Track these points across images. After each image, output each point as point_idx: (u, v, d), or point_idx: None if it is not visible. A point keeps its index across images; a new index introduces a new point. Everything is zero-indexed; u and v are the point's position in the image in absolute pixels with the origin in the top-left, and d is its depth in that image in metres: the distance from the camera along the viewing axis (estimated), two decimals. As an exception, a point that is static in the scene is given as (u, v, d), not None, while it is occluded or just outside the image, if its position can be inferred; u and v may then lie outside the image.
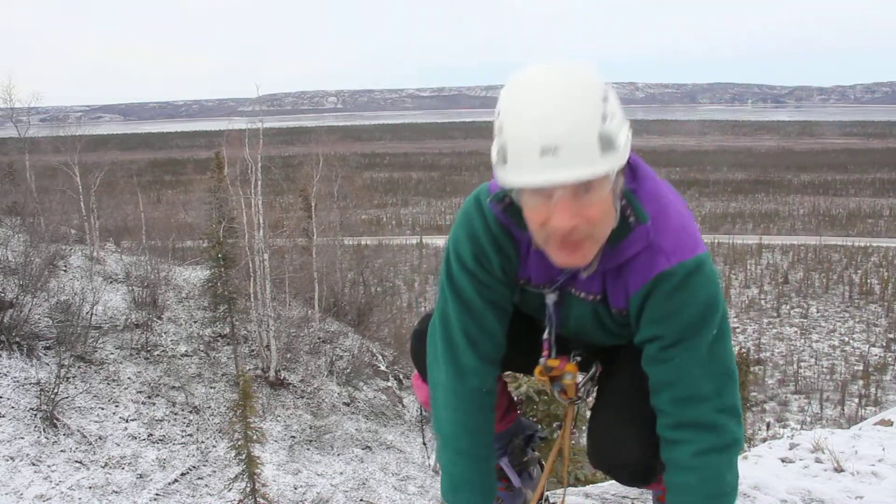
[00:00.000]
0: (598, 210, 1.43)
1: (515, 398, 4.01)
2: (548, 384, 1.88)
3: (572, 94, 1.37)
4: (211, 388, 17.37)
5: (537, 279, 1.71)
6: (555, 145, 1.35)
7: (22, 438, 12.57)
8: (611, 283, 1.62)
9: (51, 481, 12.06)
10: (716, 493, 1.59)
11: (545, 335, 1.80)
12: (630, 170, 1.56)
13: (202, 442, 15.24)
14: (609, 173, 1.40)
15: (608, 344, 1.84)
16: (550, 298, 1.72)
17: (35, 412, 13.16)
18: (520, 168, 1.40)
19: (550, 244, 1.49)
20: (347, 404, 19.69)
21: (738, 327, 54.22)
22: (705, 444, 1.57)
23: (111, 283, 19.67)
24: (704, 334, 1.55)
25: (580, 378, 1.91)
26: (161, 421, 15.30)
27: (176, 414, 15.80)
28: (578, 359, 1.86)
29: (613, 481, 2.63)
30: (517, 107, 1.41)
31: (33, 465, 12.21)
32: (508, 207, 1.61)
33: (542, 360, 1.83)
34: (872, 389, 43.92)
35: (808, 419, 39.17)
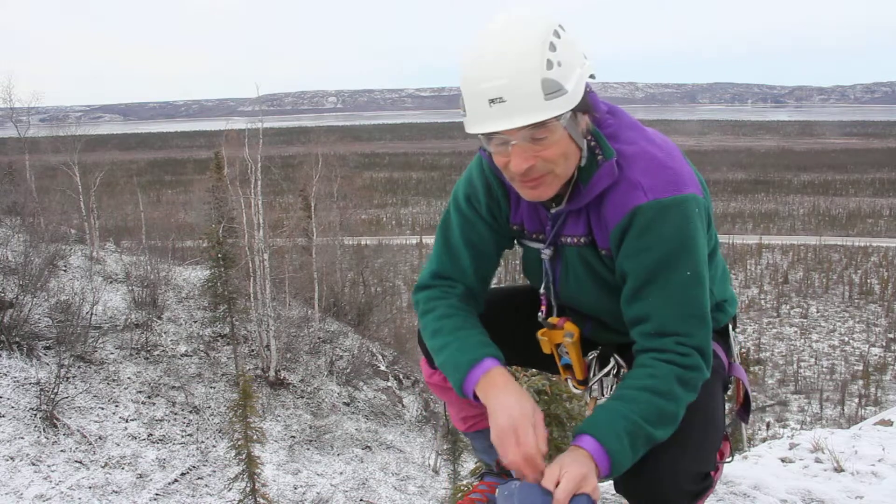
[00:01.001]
0: (554, 151, 1.54)
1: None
2: (555, 356, 1.88)
3: (514, 45, 1.47)
4: (211, 388, 17.37)
5: (530, 226, 1.79)
6: (499, 95, 1.46)
7: (22, 438, 12.57)
8: (595, 222, 1.66)
9: (51, 481, 12.06)
10: (654, 387, 1.53)
11: (541, 290, 1.84)
12: (612, 115, 1.66)
13: (202, 442, 15.23)
14: (557, 117, 1.49)
15: (608, 309, 1.78)
16: (546, 254, 1.77)
17: (35, 412, 13.16)
18: (474, 119, 1.54)
19: (515, 182, 1.62)
20: (347, 404, 19.69)
21: (737, 327, 54.27)
22: (666, 357, 1.56)
23: (111, 283, 19.67)
24: (677, 273, 1.56)
25: (599, 372, 1.88)
26: (161, 421, 15.30)
27: (176, 414, 15.80)
28: (596, 353, 1.86)
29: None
30: (467, 62, 1.53)
31: (33, 464, 12.21)
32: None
33: (540, 316, 1.85)
34: (872, 389, 43.93)
35: (808, 419, 39.17)
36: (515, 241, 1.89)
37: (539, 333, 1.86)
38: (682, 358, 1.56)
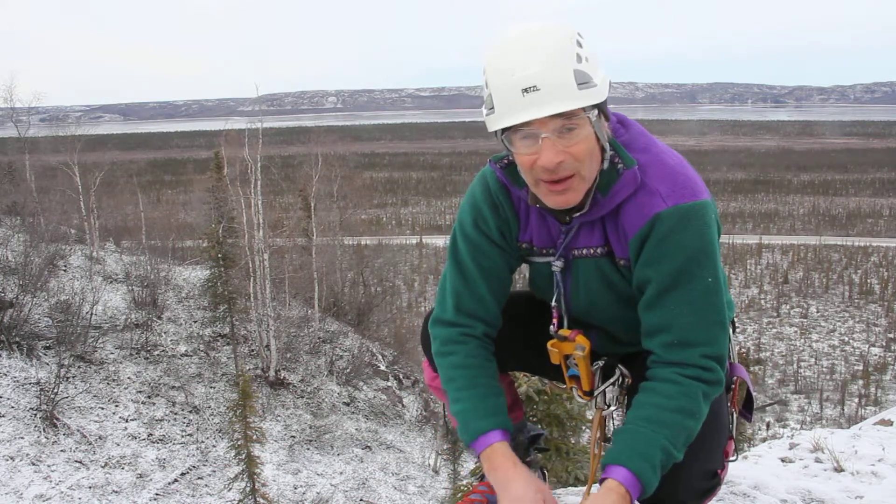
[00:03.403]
0: (582, 147, 1.53)
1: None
2: (563, 367, 1.87)
3: (545, 39, 1.52)
4: (211, 388, 17.37)
5: (539, 242, 1.78)
6: (533, 84, 1.48)
7: (22, 438, 12.57)
8: (611, 232, 1.67)
9: (51, 481, 12.06)
10: (686, 409, 1.56)
11: (553, 302, 1.83)
12: (622, 125, 1.68)
13: (202, 442, 15.24)
14: (587, 108, 1.52)
15: (621, 319, 1.79)
16: (556, 266, 1.76)
17: (35, 412, 13.17)
18: (506, 111, 1.54)
19: (541, 186, 1.59)
20: (347, 404, 19.70)
21: (738, 327, 54.15)
22: (690, 372, 1.58)
23: (111, 283, 19.67)
24: (699, 280, 1.57)
25: (605, 383, 1.86)
26: (161, 421, 15.31)
27: (176, 414, 15.80)
28: (602, 363, 1.85)
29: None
30: (497, 58, 1.55)
31: (33, 464, 12.21)
32: (507, 167, 1.72)
33: (551, 328, 1.85)
34: (872, 389, 43.92)
35: (808, 419, 39.16)
36: (521, 261, 1.89)
37: (549, 345, 1.85)
38: (707, 373, 1.58)
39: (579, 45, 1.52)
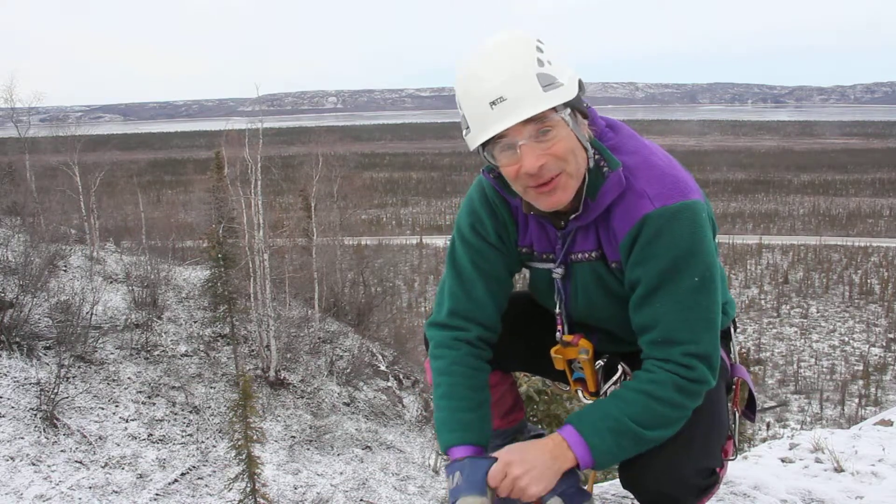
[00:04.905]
0: (562, 146, 1.55)
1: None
2: (567, 371, 1.88)
3: (505, 51, 1.56)
4: (211, 388, 17.37)
5: (540, 247, 1.79)
6: (500, 95, 1.52)
7: (22, 438, 12.58)
8: (603, 236, 1.68)
9: (51, 481, 12.06)
10: (651, 392, 1.57)
11: (556, 310, 1.84)
12: (611, 129, 1.69)
13: (202, 442, 15.24)
14: (559, 108, 1.54)
15: (620, 320, 1.78)
16: (557, 273, 1.78)
17: (35, 412, 13.17)
18: (479, 127, 1.58)
19: (530, 192, 1.61)
20: (347, 404, 19.70)
21: (738, 327, 54.29)
22: (669, 367, 1.59)
23: (111, 283, 19.67)
24: (685, 279, 1.58)
25: (608, 380, 1.86)
26: (161, 421, 15.31)
27: (176, 414, 15.81)
28: (603, 362, 1.86)
29: (614, 481, 2.62)
30: (463, 79, 1.60)
31: (33, 465, 12.21)
32: (499, 177, 1.73)
33: (557, 335, 1.86)
34: (872, 389, 43.95)
35: (808, 419, 39.17)
36: (522, 265, 1.89)
37: (553, 351, 1.87)
38: (687, 370, 1.58)
39: (539, 49, 1.55)
